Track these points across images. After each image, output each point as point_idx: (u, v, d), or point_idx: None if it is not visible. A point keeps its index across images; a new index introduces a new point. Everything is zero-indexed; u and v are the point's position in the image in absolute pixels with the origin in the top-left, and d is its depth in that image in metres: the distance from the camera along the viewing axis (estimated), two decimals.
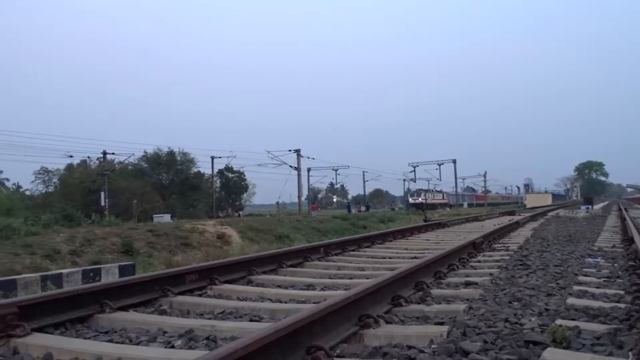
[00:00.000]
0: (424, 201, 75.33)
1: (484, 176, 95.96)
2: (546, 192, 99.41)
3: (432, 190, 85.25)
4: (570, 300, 3.92)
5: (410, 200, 79.65)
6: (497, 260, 6.71)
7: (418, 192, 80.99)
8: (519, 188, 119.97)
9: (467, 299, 4.15)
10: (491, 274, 5.45)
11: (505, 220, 18.37)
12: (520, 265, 6.18)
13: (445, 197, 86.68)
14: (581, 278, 5.17)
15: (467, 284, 4.86)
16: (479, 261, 6.84)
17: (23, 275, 11.44)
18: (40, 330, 3.29)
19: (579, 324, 3.10)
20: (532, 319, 3.34)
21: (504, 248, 8.38)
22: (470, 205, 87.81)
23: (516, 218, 18.84)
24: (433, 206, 72.89)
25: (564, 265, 6.13)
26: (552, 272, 5.53)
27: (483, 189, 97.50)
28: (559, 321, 3.18)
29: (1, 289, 9.96)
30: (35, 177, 50.75)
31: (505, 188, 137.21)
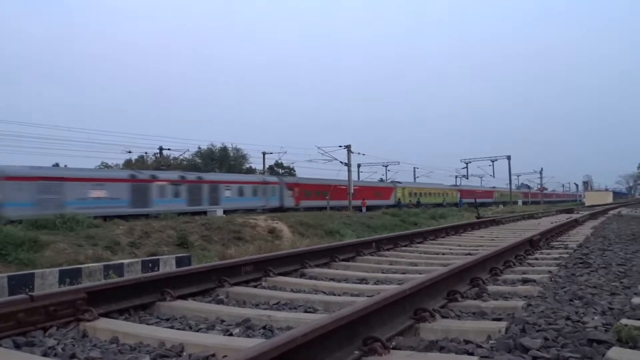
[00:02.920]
0: None
1: (540, 173, 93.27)
2: (607, 190, 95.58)
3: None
4: (636, 300, 3.75)
5: None
6: (556, 258, 6.51)
7: None
8: (577, 185, 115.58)
9: (525, 296, 4.05)
10: (550, 272, 5.29)
11: (563, 218, 17.76)
12: (581, 263, 5.97)
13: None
14: None
15: (525, 281, 4.74)
16: (536, 259, 6.64)
17: (87, 265, 12.09)
18: (106, 315, 3.44)
19: None
20: (595, 317, 3.22)
21: (562, 246, 8.11)
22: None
23: (575, 216, 18.18)
24: None
25: (628, 264, 5.87)
26: (615, 271, 5.31)
27: (539, 186, 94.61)
28: (624, 321, 3.05)
29: (68, 277, 10.56)
30: None
31: (563, 185, 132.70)
